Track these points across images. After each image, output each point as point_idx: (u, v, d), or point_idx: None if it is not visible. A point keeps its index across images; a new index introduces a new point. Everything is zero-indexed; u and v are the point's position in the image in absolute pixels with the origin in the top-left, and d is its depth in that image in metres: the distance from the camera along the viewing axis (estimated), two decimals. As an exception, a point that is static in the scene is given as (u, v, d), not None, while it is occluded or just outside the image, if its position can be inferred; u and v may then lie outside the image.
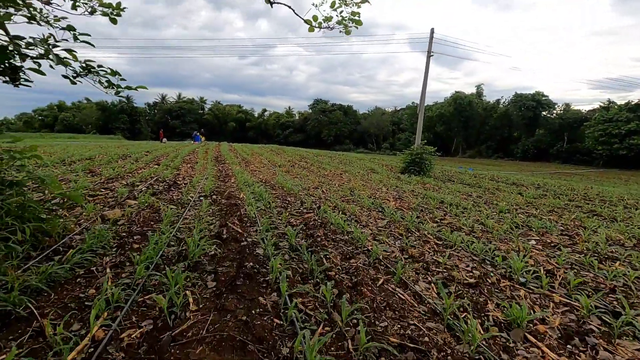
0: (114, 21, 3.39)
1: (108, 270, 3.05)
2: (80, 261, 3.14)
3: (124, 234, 4.17)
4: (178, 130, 72.37)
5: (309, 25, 4.26)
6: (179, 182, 8.04)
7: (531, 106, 56.61)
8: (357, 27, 3.84)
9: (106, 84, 2.99)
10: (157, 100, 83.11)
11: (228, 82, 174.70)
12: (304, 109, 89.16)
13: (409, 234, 5.00)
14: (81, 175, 8.28)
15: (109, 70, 2.92)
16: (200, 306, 2.58)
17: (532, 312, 2.81)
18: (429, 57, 15.14)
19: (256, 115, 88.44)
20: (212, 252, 3.64)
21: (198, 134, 33.08)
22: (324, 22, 3.78)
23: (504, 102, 64.55)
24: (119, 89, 3.05)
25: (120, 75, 2.97)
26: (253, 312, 2.54)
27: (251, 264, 3.36)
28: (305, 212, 5.83)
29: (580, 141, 51.02)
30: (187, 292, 2.72)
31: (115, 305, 2.44)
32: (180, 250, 3.65)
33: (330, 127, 74.37)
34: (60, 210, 5.01)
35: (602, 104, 51.10)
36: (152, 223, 4.68)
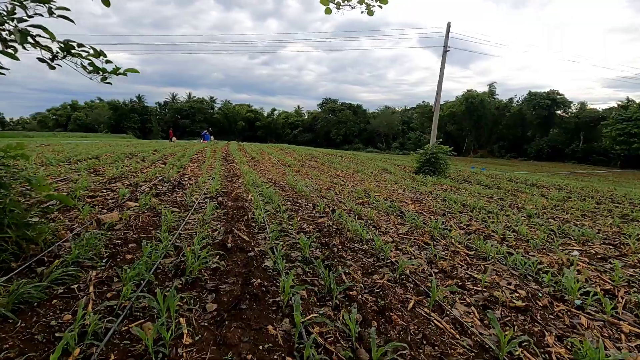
0: (106, 3, 2.92)
1: (91, 288, 2.59)
2: (61, 276, 2.69)
3: (119, 241, 3.72)
4: (188, 129, 72.53)
5: (323, 10, 3.76)
6: (184, 182, 7.62)
7: (546, 105, 55.10)
8: (381, 7, 3.32)
9: (90, 68, 2.53)
10: (168, 100, 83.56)
11: (238, 82, 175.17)
12: (314, 108, 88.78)
13: (435, 243, 4.46)
14: (84, 174, 7.92)
15: (91, 51, 2.45)
16: (196, 339, 2.09)
17: (605, 350, 2.25)
18: (445, 52, 14.49)
19: (265, 114, 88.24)
20: (215, 265, 3.17)
21: (207, 132, 32.84)
22: (344, 0, 3.25)
23: (517, 101, 63.05)
24: (106, 74, 2.58)
25: (106, 57, 2.50)
26: (260, 347, 2.05)
27: (259, 280, 2.88)
28: (318, 217, 5.33)
29: (597, 141, 49.46)
30: (181, 319, 2.24)
31: (92, 339, 1.97)
32: (178, 262, 3.18)
33: (339, 127, 73.73)
34: (55, 213, 4.61)
35: (620, 103, 49.45)
36: (150, 229, 4.23)
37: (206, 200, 6.04)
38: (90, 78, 2.48)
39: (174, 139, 32.74)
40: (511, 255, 3.89)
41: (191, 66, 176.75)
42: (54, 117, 76.96)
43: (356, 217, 5.45)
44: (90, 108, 76.62)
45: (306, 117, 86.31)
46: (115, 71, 2.54)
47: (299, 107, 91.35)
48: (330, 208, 5.90)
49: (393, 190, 8.60)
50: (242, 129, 79.29)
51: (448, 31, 14.43)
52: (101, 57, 2.46)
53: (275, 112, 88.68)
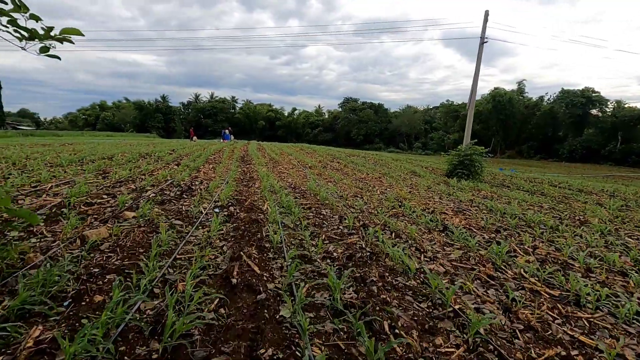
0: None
1: (19, 365, 1.72)
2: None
3: (96, 270, 2.88)
4: (210, 129, 73.06)
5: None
6: (194, 187, 6.82)
7: (580, 103, 51.85)
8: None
9: (20, 35, 1.66)
10: (191, 100, 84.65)
11: (259, 82, 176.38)
12: (334, 107, 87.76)
13: (502, 275, 3.40)
14: (88, 177, 7.26)
15: (12, 5, 1.58)
16: None
17: None
18: (482, 44, 13.15)
19: (286, 114, 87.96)
20: (210, 317, 2.26)
21: (227, 132, 32.43)
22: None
23: (548, 99, 59.84)
24: (43, 39, 1.71)
25: (41, 20, 1.63)
26: None
27: (270, 350, 1.94)
28: (347, 234, 4.36)
29: (637, 141, 46.05)
30: None
31: None
32: (161, 310, 2.29)
33: (360, 126, 72.39)
34: (20, 233, 3.85)
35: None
36: (141, 250, 3.38)
37: (216, 210, 5.18)
38: (25, 48, 1.61)
39: (194, 138, 32.51)
40: (613, 298, 2.80)
41: (214, 67, 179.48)
42: (83, 116, 79.39)
43: (393, 236, 4.44)
44: (118, 108, 78.56)
45: (326, 116, 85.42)
46: (54, 38, 1.66)
47: (319, 106, 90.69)
48: (361, 222, 4.92)
49: (428, 198, 7.52)
50: (263, 129, 79.24)
51: (486, 20, 13.05)
52: (25, 12, 1.58)
53: (296, 112, 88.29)
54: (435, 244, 4.31)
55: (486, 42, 13.29)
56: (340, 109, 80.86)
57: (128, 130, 68.88)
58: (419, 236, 4.50)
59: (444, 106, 73.51)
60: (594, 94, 52.30)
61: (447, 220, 5.50)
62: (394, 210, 6.10)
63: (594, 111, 53.46)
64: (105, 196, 5.78)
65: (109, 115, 75.37)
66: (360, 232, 4.43)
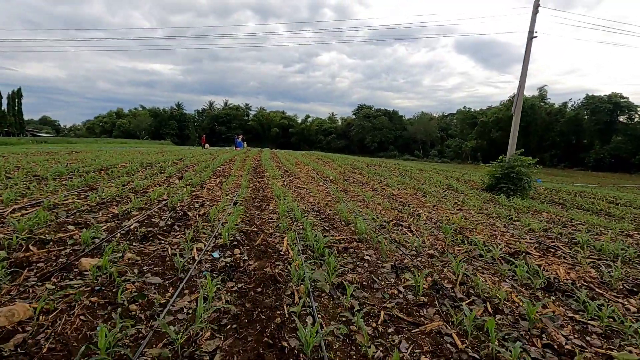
0: None
1: None
2: None
3: None
4: (224, 136, 72.37)
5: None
6: (191, 212, 5.27)
7: (607, 109, 48.94)
8: None
9: None
10: (205, 107, 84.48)
11: (273, 90, 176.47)
12: (347, 115, 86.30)
13: None
14: (67, 195, 5.81)
15: None
16: None
17: None
18: (530, 38, 11.37)
19: (299, 121, 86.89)
20: None
21: (240, 139, 31.19)
22: None
23: (572, 106, 56.95)
24: None
25: None
26: None
27: None
28: (416, 309, 2.70)
29: (671, 149, 42.98)
30: None
31: None
32: None
33: (374, 133, 70.58)
34: None
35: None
36: (63, 364, 1.81)
37: (214, 254, 3.60)
38: None
39: (206, 145, 31.37)
40: None
41: (229, 75, 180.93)
42: (100, 124, 79.90)
43: (490, 307, 2.77)
44: (134, 115, 78.82)
45: (340, 123, 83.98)
46: None
47: (332, 113, 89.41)
48: (429, 278, 3.26)
49: (491, 227, 5.79)
50: (276, 136, 78.26)
51: (535, 12, 11.28)
52: None
53: (309, 119, 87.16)
54: (561, 325, 2.61)
55: (535, 37, 11.51)
56: (353, 116, 79.32)
57: (143, 138, 68.76)
58: (527, 305, 2.80)
59: (460, 113, 71.18)
60: (622, 100, 49.36)
61: (545, 268, 3.79)
62: (459, 248, 4.41)
63: (622, 118, 50.46)
64: (71, 227, 4.28)
65: (125, 123, 75.60)
66: (437, 303, 2.77)
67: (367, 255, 3.85)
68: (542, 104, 58.44)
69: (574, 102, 56.96)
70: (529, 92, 62.03)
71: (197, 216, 5.05)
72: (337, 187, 8.93)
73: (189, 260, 3.39)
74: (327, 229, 4.87)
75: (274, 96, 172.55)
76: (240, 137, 31.50)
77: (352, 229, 4.96)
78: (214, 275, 3.07)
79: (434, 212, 6.74)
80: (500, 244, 4.73)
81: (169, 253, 3.53)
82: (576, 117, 53.08)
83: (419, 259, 3.87)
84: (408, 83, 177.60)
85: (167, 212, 5.20)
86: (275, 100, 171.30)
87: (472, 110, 69.28)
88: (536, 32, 11.60)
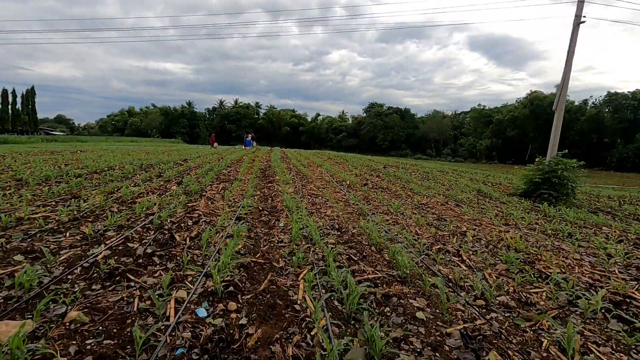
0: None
1: None
2: None
3: None
4: (234, 134, 71.72)
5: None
6: (180, 234, 4.16)
7: (631, 107, 46.57)
8: None
9: None
10: (216, 106, 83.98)
11: (283, 88, 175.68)
12: (357, 113, 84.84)
13: None
14: (42, 207, 4.78)
15: None
16: None
17: None
18: (577, 24, 9.94)
19: (309, 119, 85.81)
20: None
21: (249, 137, 30.17)
22: None
23: (593, 103, 54.48)
24: None
25: None
26: None
27: None
28: None
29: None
30: None
31: None
32: None
33: (385, 132, 69.02)
34: None
35: None
36: None
37: (199, 310, 2.47)
38: None
39: (215, 144, 30.48)
40: None
41: (240, 74, 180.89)
42: (113, 122, 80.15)
43: None
44: (145, 114, 78.83)
45: (350, 122, 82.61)
46: None
47: (342, 112, 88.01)
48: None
49: (558, 251, 4.54)
50: (286, 134, 77.33)
51: (584, -6, 9.89)
52: None
53: (319, 117, 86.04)
54: None
55: (583, 22, 10.07)
56: (364, 114, 77.83)
57: (154, 136, 68.59)
58: None
59: (474, 111, 69.09)
60: (647, 97, 46.90)
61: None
62: (535, 290, 3.21)
63: (647, 115, 47.95)
64: (19, 257, 3.23)
65: (137, 121, 75.64)
66: None
67: (418, 308, 2.67)
68: (560, 101, 56.03)
69: (595, 100, 54.55)
70: (547, 90, 59.67)
71: (188, 239, 3.94)
72: (356, 195, 7.75)
73: (162, 319, 2.28)
74: (355, 258, 3.70)
75: (284, 94, 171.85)
76: (250, 135, 30.49)
77: (387, 258, 3.79)
78: (194, 358, 1.94)
79: (478, 228, 5.51)
80: (583, 279, 3.51)
81: (135, 309, 2.42)
82: (597, 115, 50.74)
83: (492, 315, 2.68)
84: (419, 81, 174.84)
85: (150, 234, 4.10)
86: (286, 98, 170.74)
87: (487, 108, 67.10)
88: (584, 16, 10.18)
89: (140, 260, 3.30)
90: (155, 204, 5.46)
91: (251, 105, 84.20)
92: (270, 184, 8.51)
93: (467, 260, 3.93)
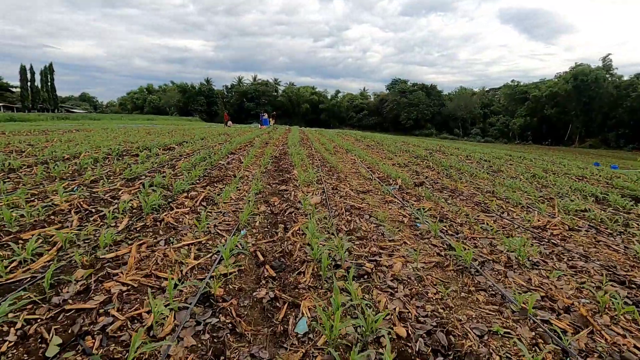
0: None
1: None
2: None
3: None
4: (252, 112, 68.69)
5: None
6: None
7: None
8: None
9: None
10: (234, 83, 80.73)
11: (303, 65, 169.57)
12: (379, 90, 79.84)
13: None
14: None
15: None
16: None
17: None
18: None
19: (329, 97, 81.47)
20: None
21: (266, 116, 27.18)
22: None
23: (647, 78, 47.81)
24: None
25: None
26: None
27: None
28: None
29: None
30: None
31: None
32: None
33: (409, 110, 64.24)
34: None
35: None
36: None
37: None
38: None
39: (229, 123, 27.72)
40: None
41: (258, 51, 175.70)
42: (132, 100, 78.54)
43: None
44: (164, 91, 76.68)
45: (372, 99, 77.83)
46: None
47: (364, 89, 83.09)
48: None
49: None
50: (305, 112, 73.73)
51: None
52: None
53: (340, 95, 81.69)
54: None
55: None
56: (387, 91, 72.84)
57: (172, 113, 66.57)
58: None
59: (507, 87, 62.97)
60: None
61: None
62: None
63: None
64: None
65: (156, 99, 73.69)
66: None
67: None
68: (607, 76, 49.67)
69: (650, 74, 47.83)
70: (565, 67, 52.99)
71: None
72: (423, 208, 4.70)
73: None
74: None
75: (304, 72, 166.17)
76: (266, 114, 27.47)
77: None
78: None
79: None
80: None
81: None
82: (653, 91, 44.44)
83: None
84: (443, 57, 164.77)
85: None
86: (305, 76, 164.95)
87: (522, 84, 60.95)
88: None
89: None
90: (62, 244, 2.64)
91: (270, 82, 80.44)
92: (284, 186, 5.53)
93: None
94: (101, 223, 3.33)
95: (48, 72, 54.52)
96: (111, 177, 5.29)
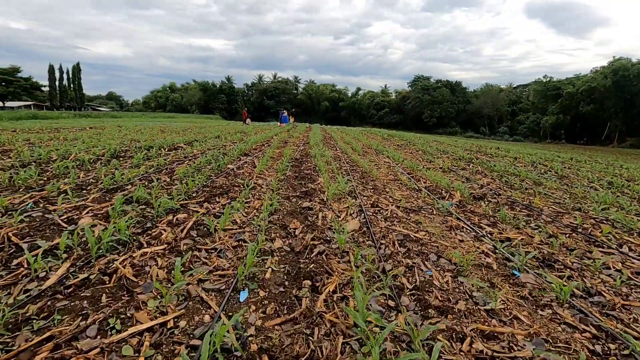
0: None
1: None
2: None
3: None
4: (272, 110, 67.87)
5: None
6: None
7: None
8: None
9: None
10: (255, 81, 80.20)
11: (322, 63, 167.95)
12: (399, 88, 77.32)
13: None
14: None
15: None
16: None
17: None
18: None
19: (349, 94, 79.63)
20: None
21: (286, 113, 25.98)
22: None
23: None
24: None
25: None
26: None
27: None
28: None
29: None
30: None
31: None
32: None
33: (433, 107, 61.62)
34: None
35: None
36: None
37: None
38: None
39: (248, 120, 26.70)
40: None
41: (278, 49, 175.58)
42: (155, 98, 79.43)
43: None
44: (186, 90, 77.10)
45: (393, 97, 75.38)
46: None
47: (385, 86, 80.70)
48: None
49: None
50: (325, 110, 72.31)
51: None
52: None
53: (360, 92, 79.67)
54: None
55: None
56: (409, 89, 70.27)
57: (193, 112, 66.68)
58: None
59: (538, 83, 59.13)
60: None
61: None
62: None
63: None
64: None
65: (178, 97, 74.19)
66: None
67: None
68: (652, 70, 45.53)
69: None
70: (597, 62, 48.77)
71: None
72: (508, 238, 3.25)
73: None
74: None
75: (324, 70, 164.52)
76: (286, 112, 26.27)
77: None
78: None
79: None
80: None
81: None
82: None
83: None
84: (466, 53, 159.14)
85: None
86: (325, 73, 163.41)
87: (554, 80, 57.15)
88: None
89: None
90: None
91: (290, 80, 79.44)
92: (307, 202, 4.17)
93: None
94: (25, 272, 2.08)
95: (75, 71, 55.48)
96: (86, 188, 4.09)
